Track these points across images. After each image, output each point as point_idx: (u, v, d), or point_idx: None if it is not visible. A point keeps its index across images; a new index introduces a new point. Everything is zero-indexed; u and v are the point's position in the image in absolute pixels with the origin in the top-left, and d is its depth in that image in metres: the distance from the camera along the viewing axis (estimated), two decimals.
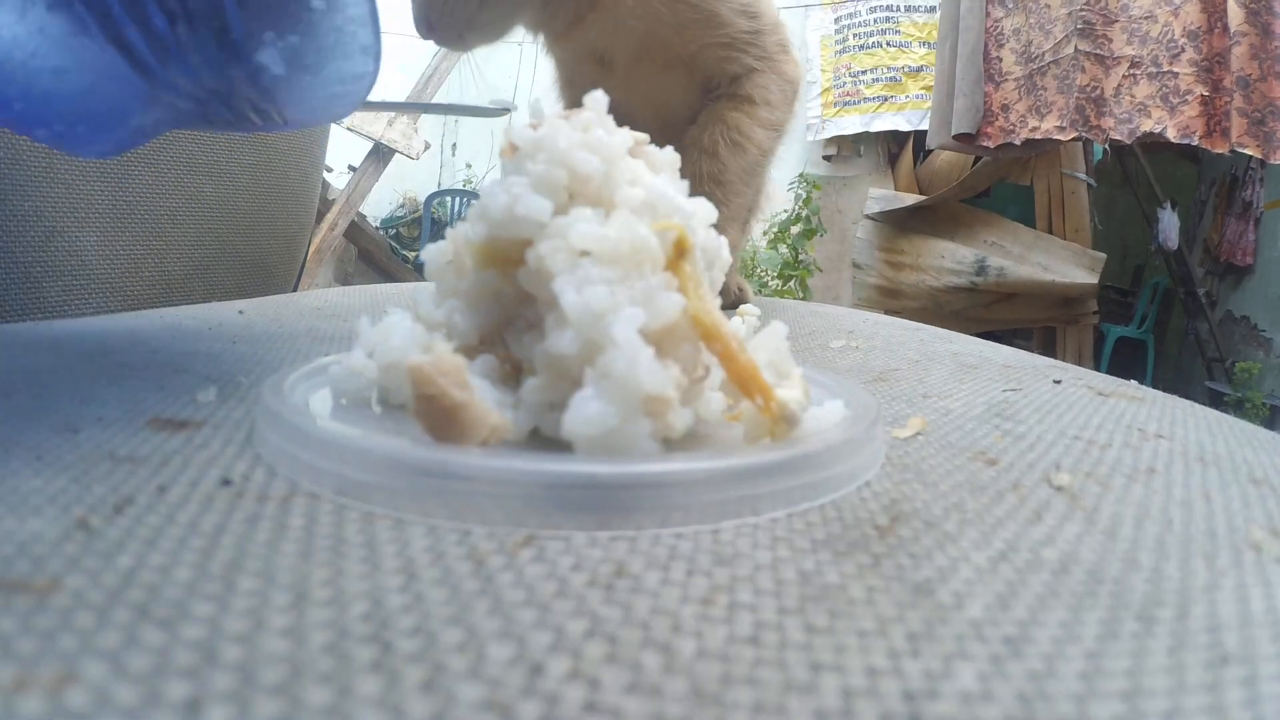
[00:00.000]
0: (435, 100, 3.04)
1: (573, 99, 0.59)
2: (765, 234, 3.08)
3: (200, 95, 0.29)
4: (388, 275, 3.40)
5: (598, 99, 0.22)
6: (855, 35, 3.48)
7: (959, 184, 2.84)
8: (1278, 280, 2.90)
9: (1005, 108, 2.40)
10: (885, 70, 3.42)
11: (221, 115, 0.31)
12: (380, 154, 2.96)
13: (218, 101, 0.30)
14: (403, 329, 0.22)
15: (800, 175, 3.22)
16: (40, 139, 0.29)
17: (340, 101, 0.33)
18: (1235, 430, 0.28)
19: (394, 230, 4.38)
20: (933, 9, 3.26)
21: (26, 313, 0.50)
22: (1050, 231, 2.80)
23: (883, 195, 3.05)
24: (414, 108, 2.90)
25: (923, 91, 3.25)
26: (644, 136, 0.23)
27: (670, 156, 0.23)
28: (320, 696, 0.11)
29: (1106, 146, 2.48)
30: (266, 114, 0.31)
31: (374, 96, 0.37)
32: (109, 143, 0.30)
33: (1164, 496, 0.20)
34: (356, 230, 3.19)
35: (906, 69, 3.39)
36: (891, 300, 2.87)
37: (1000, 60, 2.42)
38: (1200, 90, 2.09)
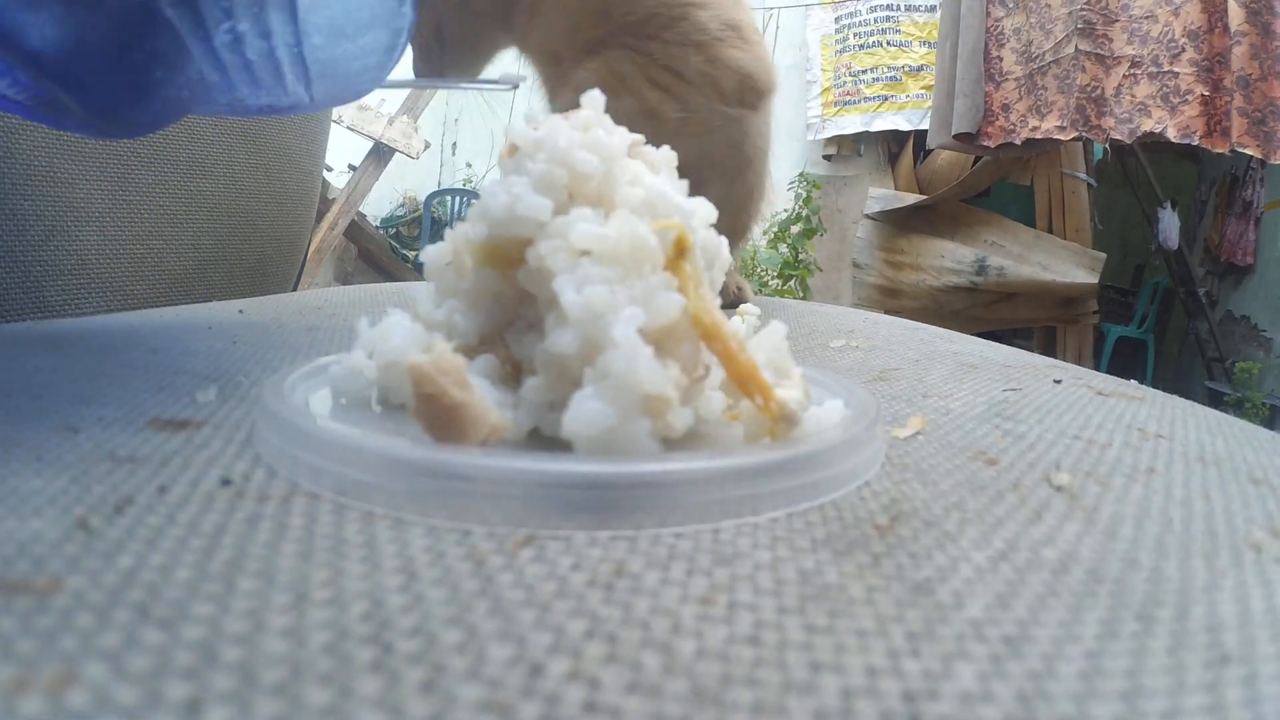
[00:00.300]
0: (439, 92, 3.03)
1: (550, 101, 0.60)
2: (765, 233, 3.08)
3: (238, 65, 0.29)
4: (388, 274, 3.40)
5: (594, 98, 0.22)
6: (855, 35, 3.48)
7: (959, 184, 2.84)
8: (1278, 280, 2.90)
9: (1005, 107, 2.40)
10: (885, 70, 3.42)
11: (249, 91, 0.30)
12: (380, 153, 2.96)
13: (249, 73, 0.30)
14: (402, 329, 0.22)
15: (800, 174, 3.22)
16: (76, 120, 0.28)
17: (368, 75, 0.33)
18: (1235, 430, 0.28)
19: (394, 229, 4.38)
20: (933, 8, 3.26)
21: (26, 312, 0.50)
22: (1050, 231, 2.80)
23: (883, 195, 3.06)
24: (423, 84, 2.91)
25: (923, 91, 3.25)
26: (639, 137, 0.23)
27: (667, 155, 0.23)
28: (320, 697, 0.11)
29: (1107, 146, 2.48)
30: (296, 92, 0.31)
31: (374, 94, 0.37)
32: (146, 115, 0.30)
33: (1164, 496, 0.20)
34: (356, 229, 3.19)
35: (907, 68, 3.38)
36: (891, 300, 2.88)
37: (1001, 60, 2.42)
38: (1201, 90, 2.09)
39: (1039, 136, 2.33)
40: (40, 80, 0.26)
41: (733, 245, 0.65)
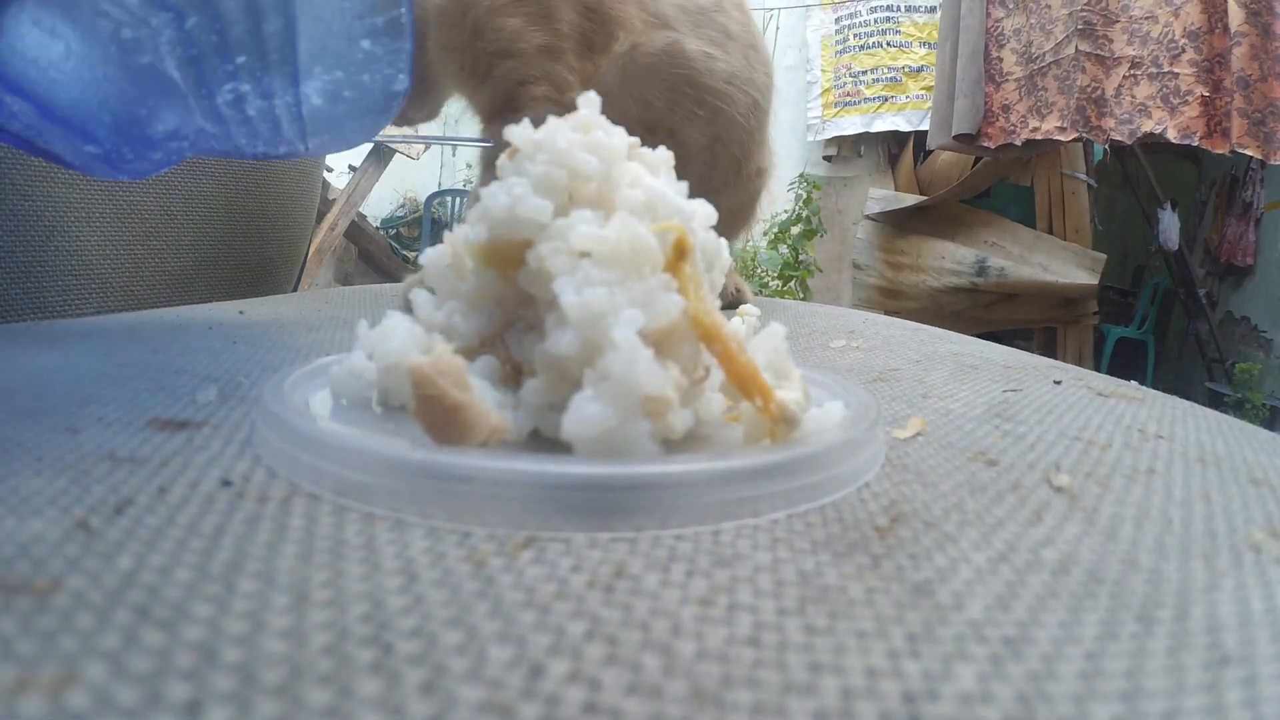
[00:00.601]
0: (423, 128, 3.06)
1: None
2: (766, 234, 3.08)
3: (238, 120, 0.30)
4: (388, 275, 3.40)
5: (590, 99, 0.22)
6: (856, 35, 3.48)
7: (959, 184, 2.84)
8: (1278, 281, 2.90)
9: (1006, 108, 2.40)
10: (886, 70, 3.42)
11: (247, 142, 0.32)
12: (380, 154, 2.96)
13: (248, 127, 0.31)
14: (402, 330, 0.22)
15: (800, 175, 3.22)
16: (82, 162, 0.29)
17: (361, 133, 0.34)
18: (1235, 431, 0.28)
19: (394, 230, 4.38)
20: (933, 9, 3.26)
21: (27, 313, 0.50)
22: (1050, 232, 2.80)
23: (883, 195, 3.05)
24: (411, 139, 2.92)
25: (923, 92, 3.25)
26: (635, 140, 0.23)
27: (665, 155, 0.23)
28: (320, 698, 0.11)
29: (1107, 147, 2.48)
30: (291, 142, 0.32)
31: None
32: (149, 163, 0.31)
33: (1164, 497, 0.20)
34: (357, 230, 3.19)
35: (907, 69, 3.38)
36: (892, 301, 2.87)
37: (1001, 60, 2.42)
38: (1201, 91, 2.09)
39: (1039, 137, 2.33)
40: (46, 127, 0.27)
41: (739, 216, 0.64)
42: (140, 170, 0.32)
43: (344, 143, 0.36)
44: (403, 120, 0.60)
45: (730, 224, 0.64)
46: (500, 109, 0.53)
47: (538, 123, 0.22)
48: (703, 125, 0.57)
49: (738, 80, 0.57)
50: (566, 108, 0.55)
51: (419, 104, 0.59)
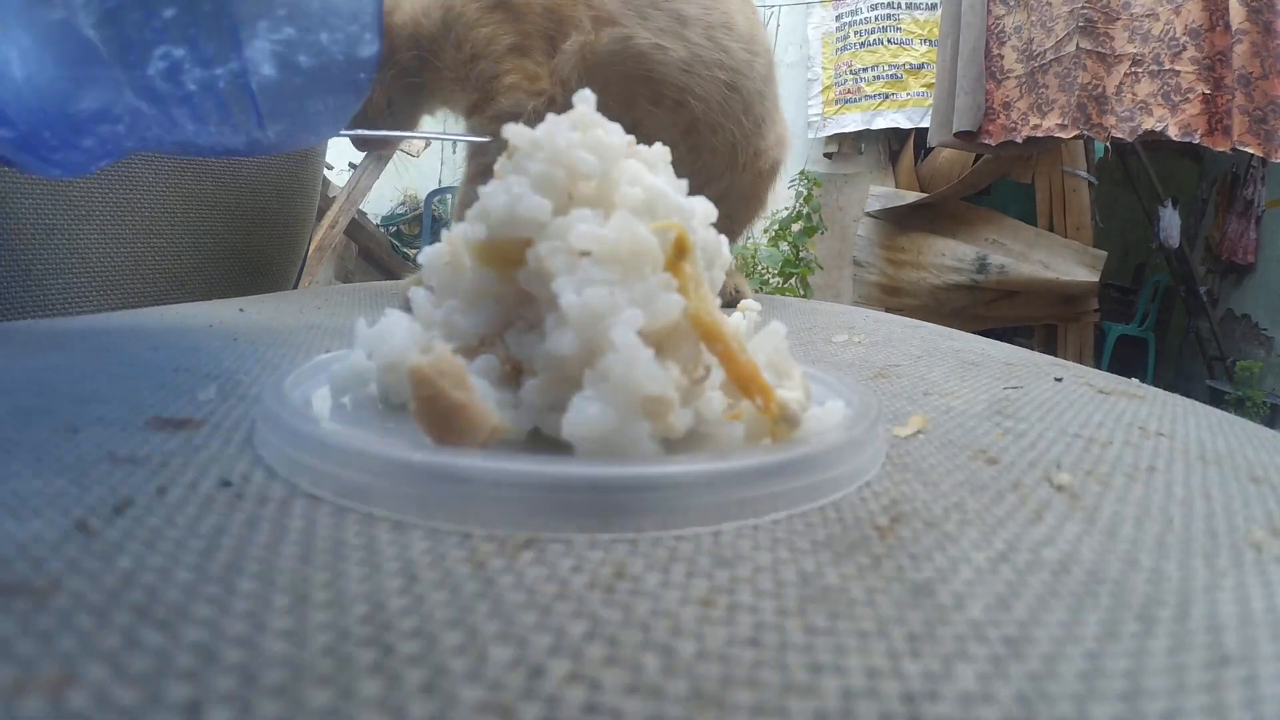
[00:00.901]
0: (420, 125, 3.05)
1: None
2: (766, 231, 3.08)
3: (178, 98, 0.27)
4: (388, 273, 3.39)
5: (587, 96, 0.22)
6: (856, 32, 3.47)
7: (960, 182, 2.84)
8: (1279, 279, 2.90)
9: (1007, 105, 2.39)
10: (886, 67, 3.41)
11: (195, 129, 0.28)
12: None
13: (190, 106, 0.27)
14: (401, 329, 0.22)
15: (801, 173, 3.21)
16: (13, 154, 0.26)
17: (328, 117, 0.31)
18: (1236, 428, 0.28)
19: (394, 228, 4.37)
20: (934, 6, 3.25)
21: (27, 310, 0.50)
22: (1051, 229, 2.79)
23: (884, 193, 3.05)
24: (400, 135, 2.91)
25: (924, 89, 3.25)
26: (631, 138, 0.23)
27: (661, 151, 0.23)
28: (321, 698, 0.11)
29: (1108, 144, 2.48)
30: (248, 129, 0.29)
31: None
32: (80, 153, 0.28)
33: (1164, 495, 0.20)
34: (357, 228, 3.18)
35: (908, 66, 3.38)
36: (892, 298, 2.87)
37: (1002, 58, 2.41)
38: (1202, 88, 2.09)
39: (1040, 134, 2.32)
40: None
41: (744, 205, 0.65)
42: (74, 164, 0.28)
43: (311, 132, 0.32)
44: (373, 149, 0.65)
45: (737, 211, 0.65)
46: (478, 103, 0.55)
47: (512, 107, 0.22)
48: (665, 119, 0.56)
49: (699, 66, 0.55)
50: (536, 95, 0.57)
51: (407, 120, 0.62)
